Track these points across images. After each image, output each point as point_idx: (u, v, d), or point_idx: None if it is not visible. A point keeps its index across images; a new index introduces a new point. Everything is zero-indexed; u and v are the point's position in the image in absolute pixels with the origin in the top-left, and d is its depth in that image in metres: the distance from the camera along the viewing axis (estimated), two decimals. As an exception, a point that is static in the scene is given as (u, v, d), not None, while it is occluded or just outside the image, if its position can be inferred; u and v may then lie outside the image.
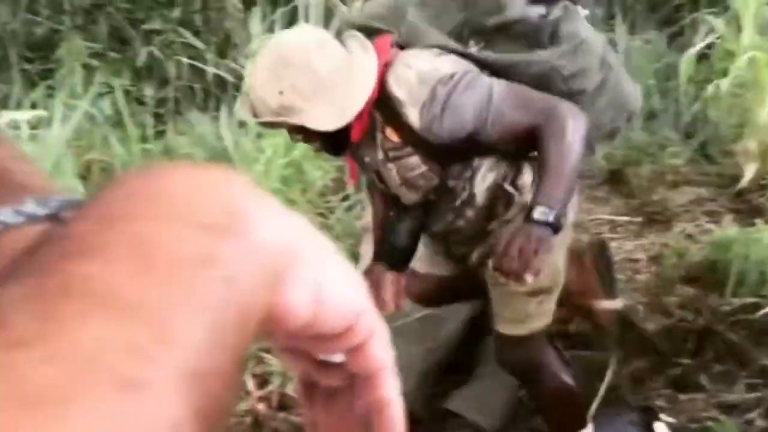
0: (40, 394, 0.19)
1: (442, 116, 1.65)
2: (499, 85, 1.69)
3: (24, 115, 4.05)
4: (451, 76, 1.66)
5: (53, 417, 0.18)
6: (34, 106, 4.28)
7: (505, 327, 1.90)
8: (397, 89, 1.68)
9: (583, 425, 1.94)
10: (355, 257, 2.99)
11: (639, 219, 3.46)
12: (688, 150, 3.75)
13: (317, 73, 1.61)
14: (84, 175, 3.72)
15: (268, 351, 2.26)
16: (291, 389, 2.19)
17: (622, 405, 2.11)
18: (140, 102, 4.65)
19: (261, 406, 2.17)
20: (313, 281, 0.29)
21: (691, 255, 2.89)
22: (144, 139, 4.11)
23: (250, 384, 2.29)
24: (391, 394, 0.34)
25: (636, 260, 3.08)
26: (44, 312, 0.21)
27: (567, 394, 1.95)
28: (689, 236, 3.11)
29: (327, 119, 1.63)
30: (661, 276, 2.87)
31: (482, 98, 1.65)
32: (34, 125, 3.75)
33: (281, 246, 0.28)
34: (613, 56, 1.95)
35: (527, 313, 1.85)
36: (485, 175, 1.78)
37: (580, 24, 1.82)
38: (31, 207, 0.38)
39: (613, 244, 3.26)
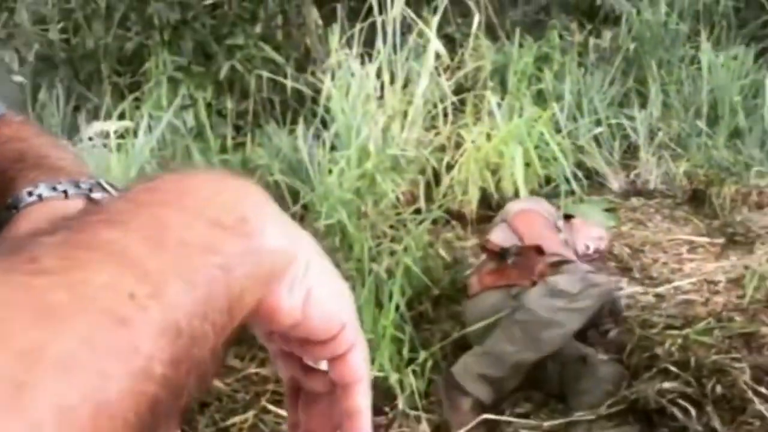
0: (51, 309, 0.23)
1: None
2: None
3: (112, 126, 4.24)
4: None
5: (56, 327, 0.23)
6: (122, 117, 4.48)
7: None
8: None
9: None
10: (426, 271, 3.00)
11: (720, 240, 3.34)
12: (775, 170, 3.61)
13: None
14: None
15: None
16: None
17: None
18: (221, 114, 4.79)
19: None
20: (305, 287, 0.34)
21: (775, 278, 2.76)
22: (224, 150, 4.24)
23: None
24: (362, 403, 0.37)
25: (715, 282, 2.97)
26: (68, 256, 0.26)
27: None
28: (773, 259, 2.98)
29: None
30: (743, 299, 2.76)
31: None
32: (121, 135, 3.91)
33: (280, 252, 0.32)
34: None
35: None
36: None
37: None
38: (64, 185, 0.47)
39: (691, 265, 3.16)
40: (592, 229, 3.06)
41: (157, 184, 0.32)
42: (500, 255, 2.68)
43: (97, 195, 0.46)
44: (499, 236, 2.81)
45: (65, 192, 0.47)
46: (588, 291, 2.28)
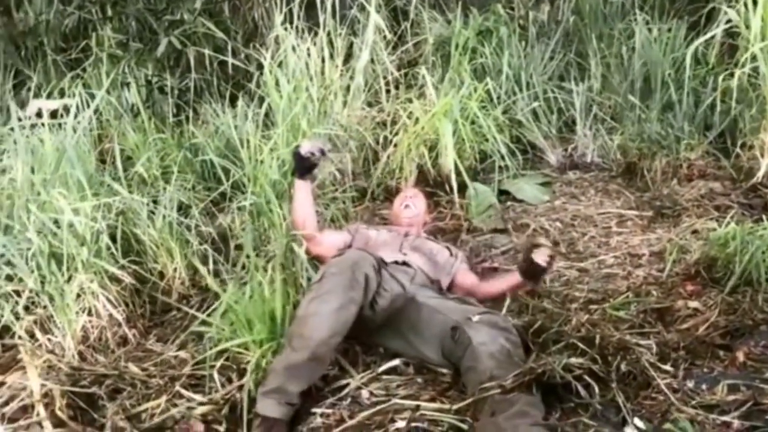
0: None
1: None
2: None
3: (52, 104, 4.16)
4: None
5: None
6: (62, 95, 4.40)
7: None
8: None
9: None
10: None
11: (649, 213, 3.37)
12: (705, 143, 3.63)
13: None
14: (103, 160, 3.81)
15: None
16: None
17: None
18: (163, 91, 4.72)
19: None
20: None
21: (693, 251, 2.79)
22: (161, 128, 4.18)
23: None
24: None
25: (639, 256, 3.00)
26: None
27: None
28: (695, 232, 3.01)
29: None
30: (662, 272, 2.79)
31: None
32: (60, 113, 3.84)
33: None
34: None
35: None
36: None
37: None
38: None
39: (618, 239, 3.19)
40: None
41: None
42: None
43: None
44: None
45: None
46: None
